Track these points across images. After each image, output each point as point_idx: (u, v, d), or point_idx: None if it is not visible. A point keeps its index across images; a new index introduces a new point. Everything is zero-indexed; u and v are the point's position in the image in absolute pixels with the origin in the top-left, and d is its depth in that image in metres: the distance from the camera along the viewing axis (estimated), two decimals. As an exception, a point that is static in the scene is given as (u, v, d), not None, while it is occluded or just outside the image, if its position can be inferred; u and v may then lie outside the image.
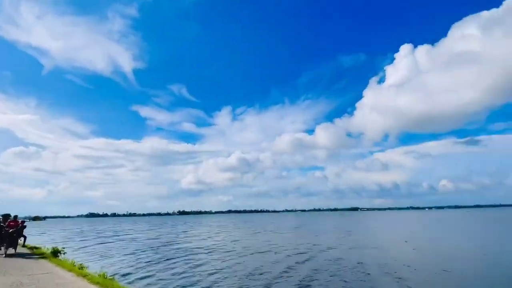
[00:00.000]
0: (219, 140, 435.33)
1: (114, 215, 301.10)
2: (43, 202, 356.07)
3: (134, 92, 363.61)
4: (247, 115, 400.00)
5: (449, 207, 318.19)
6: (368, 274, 12.42)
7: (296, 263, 15.23)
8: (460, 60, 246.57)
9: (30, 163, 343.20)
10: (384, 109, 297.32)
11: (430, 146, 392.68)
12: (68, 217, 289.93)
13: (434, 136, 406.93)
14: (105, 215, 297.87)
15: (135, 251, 21.35)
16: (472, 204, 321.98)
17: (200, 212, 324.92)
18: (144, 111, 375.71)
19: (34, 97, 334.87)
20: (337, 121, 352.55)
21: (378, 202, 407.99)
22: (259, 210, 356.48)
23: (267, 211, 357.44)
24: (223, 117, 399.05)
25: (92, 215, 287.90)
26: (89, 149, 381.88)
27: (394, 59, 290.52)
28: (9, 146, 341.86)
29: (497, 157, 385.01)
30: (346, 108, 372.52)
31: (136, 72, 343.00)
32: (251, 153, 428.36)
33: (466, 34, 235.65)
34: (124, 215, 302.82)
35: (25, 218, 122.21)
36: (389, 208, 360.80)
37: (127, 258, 18.30)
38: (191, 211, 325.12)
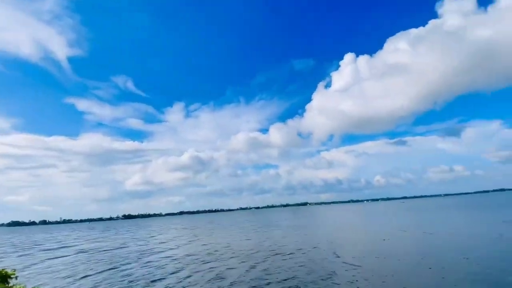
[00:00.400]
0: (170, 137, 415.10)
1: (44, 222, 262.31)
2: None
3: (69, 83, 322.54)
4: (202, 112, 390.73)
5: (382, 199, 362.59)
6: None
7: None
8: (392, 70, 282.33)
9: None
10: (330, 111, 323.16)
11: (367, 146, 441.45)
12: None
13: (370, 137, 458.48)
14: (33, 223, 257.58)
15: (114, 266, 17.31)
16: (400, 196, 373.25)
17: (148, 215, 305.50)
18: (82, 104, 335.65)
19: None
20: (289, 121, 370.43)
21: (324, 197, 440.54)
22: (213, 210, 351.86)
23: (222, 210, 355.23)
24: (175, 113, 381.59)
25: (15, 224, 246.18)
26: (11, 147, 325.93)
27: (339, 66, 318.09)
28: None
29: (419, 156, 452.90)
30: (297, 109, 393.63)
31: (72, 60, 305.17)
32: (205, 152, 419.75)
33: (398, 47, 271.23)
34: (57, 222, 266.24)
35: None
36: (333, 202, 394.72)
37: (113, 276, 14.57)
38: (138, 215, 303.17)
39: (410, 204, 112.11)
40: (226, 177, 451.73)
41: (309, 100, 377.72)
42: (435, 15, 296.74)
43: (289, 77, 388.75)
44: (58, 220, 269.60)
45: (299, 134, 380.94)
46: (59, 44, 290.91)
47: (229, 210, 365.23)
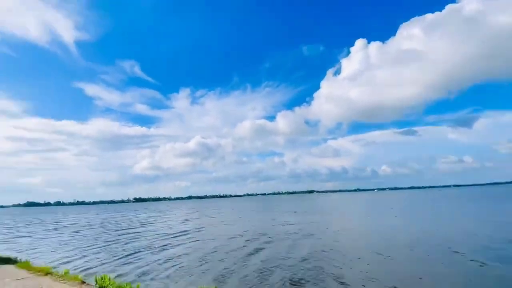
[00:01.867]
0: (177, 124, 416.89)
1: (58, 203, 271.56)
2: None
3: (77, 67, 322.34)
4: (208, 99, 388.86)
5: (390, 188, 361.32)
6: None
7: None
8: (405, 58, 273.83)
9: None
10: (339, 99, 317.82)
11: (375, 135, 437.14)
12: (1, 206, 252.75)
13: (379, 126, 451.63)
14: (48, 204, 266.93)
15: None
16: (407, 186, 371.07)
17: (158, 199, 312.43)
18: (90, 89, 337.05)
19: None
20: (297, 109, 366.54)
21: (329, 185, 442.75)
22: (221, 195, 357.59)
23: (230, 196, 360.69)
24: (181, 99, 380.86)
25: (31, 204, 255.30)
26: (23, 130, 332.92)
27: (349, 52, 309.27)
28: None
29: (428, 146, 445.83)
30: (305, 97, 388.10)
31: (79, 44, 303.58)
32: (211, 138, 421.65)
33: (412, 34, 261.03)
34: (70, 204, 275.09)
35: None
36: (340, 190, 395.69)
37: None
38: (148, 198, 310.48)
39: (426, 194, 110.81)
40: (232, 163, 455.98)
41: (317, 87, 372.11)
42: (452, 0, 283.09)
43: (297, 63, 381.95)
44: (72, 201, 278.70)
45: (307, 122, 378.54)
46: (66, 28, 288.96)
47: (236, 196, 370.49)
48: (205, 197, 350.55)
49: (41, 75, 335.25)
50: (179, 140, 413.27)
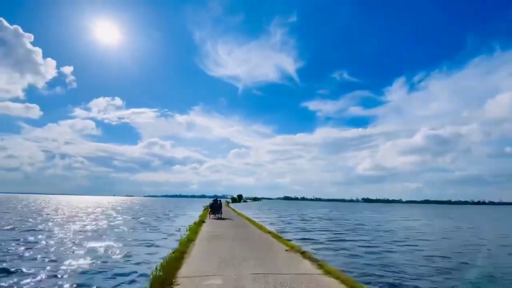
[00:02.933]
0: (394, 118, 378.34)
1: (303, 198, 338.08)
2: (253, 187, 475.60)
3: (300, 90, 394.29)
4: (430, 81, 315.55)
5: None
6: None
7: None
8: None
9: (243, 159, 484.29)
10: None
11: None
12: (270, 198, 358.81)
13: None
14: (296, 199, 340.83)
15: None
16: None
17: (387, 201, 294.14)
18: (312, 105, 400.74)
19: (237, 113, 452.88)
20: None
21: None
22: (475, 201, 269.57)
23: (491, 203, 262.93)
24: (396, 91, 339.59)
25: (286, 198, 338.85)
26: (275, 145, 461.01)
27: None
28: (230, 149, 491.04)
29: None
30: None
31: (298, 71, 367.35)
32: (445, 128, 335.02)
33: None
34: (311, 199, 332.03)
35: (247, 198, 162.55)
36: None
37: None
38: (376, 199, 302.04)
39: None
40: (484, 158, 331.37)
41: None
42: None
43: None
44: (312, 197, 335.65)
45: None
46: (289, 63, 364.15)
47: (501, 203, 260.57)
48: (448, 202, 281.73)
49: (278, 103, 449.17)
50: (400, 136, 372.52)
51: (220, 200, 23.41)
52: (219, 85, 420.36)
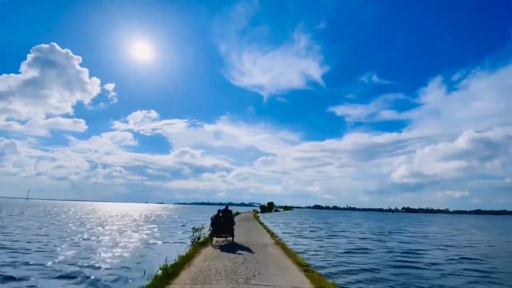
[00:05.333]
0: (432, 121, 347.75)
1: (335, 208, 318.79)
2: (280, 195, 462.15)
3: (326, 95, 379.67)
4: (471, 79, 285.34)
5: None
6: None
7: None
8: None
9: (270, 167, 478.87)
10: None
11: None
12: (299, 207, 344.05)
13: None
14: (327, 208, 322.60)
15: None
16: None
17: (432, 211, 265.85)
18: (339, 110, 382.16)
19: (263, 121, 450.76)
20: None
21: None
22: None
23: None
24: (432, 92, 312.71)
25: (316, 207, 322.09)
26: (302, 152, 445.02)
27: None
28: (257, 157, 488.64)
29: None
30: None
31: (324, 76, 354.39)
32: (493, 130, 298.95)
33: None
34: (344, 209, 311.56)
35: (278, 207, 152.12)
36: None
37: None
38: (418, 209, 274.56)
39: None
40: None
41: None
42: None
43: None
44: (345, 207, 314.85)
45: None
46: (315, 69, 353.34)
47: None
48: (504, 212, 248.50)
49: (304, 110, 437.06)
50: (440, 140, 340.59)
51: (230, 211, 12.99)
52: (244, 94, 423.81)
